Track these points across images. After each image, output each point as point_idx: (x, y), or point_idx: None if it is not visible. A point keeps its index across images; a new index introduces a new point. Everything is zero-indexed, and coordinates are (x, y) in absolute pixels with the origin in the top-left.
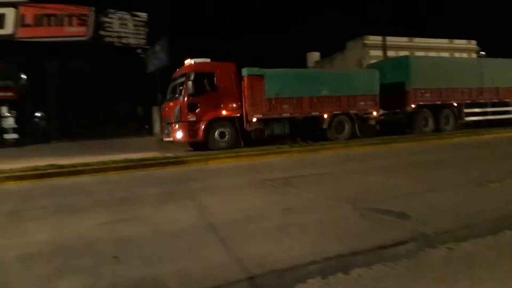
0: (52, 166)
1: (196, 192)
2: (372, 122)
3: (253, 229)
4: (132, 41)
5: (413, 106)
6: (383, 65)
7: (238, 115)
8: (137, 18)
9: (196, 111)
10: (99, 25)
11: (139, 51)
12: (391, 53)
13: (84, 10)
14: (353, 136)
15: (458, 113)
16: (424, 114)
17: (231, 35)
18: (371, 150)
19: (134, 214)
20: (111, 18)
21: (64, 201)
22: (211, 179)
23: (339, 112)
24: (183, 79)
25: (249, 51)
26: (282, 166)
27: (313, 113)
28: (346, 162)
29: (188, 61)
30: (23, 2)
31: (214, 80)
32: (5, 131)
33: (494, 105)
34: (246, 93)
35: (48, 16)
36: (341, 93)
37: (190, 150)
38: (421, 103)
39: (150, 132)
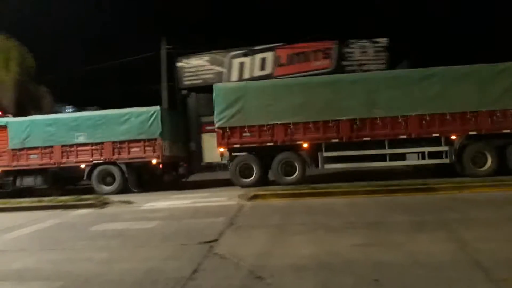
0: (307, 186)
1: (452, 224)
2: (160, 172)
3: None
4: (372, 67)
5: (222, 150)
6: None
7: None
8: (377, 45)
9: None
10: (341, 56)
11: None
12: None
13: (328, 44)
14: (126, 190)
15: (311, 159)
16: (244, 160)
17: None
18: None
19: (386, 239)
20: (352, 48)
21: (319, 220)
22: (467, 210)
23: (101, 161)
24: None
25: None
26: None
27: (68, 163)
28: None
29: None
30: (279, 45)
31: None
32: None
33: (410, 143)
34: None
35: (298, 54)
36: (104, 138)
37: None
38: (236, 145)
39: None
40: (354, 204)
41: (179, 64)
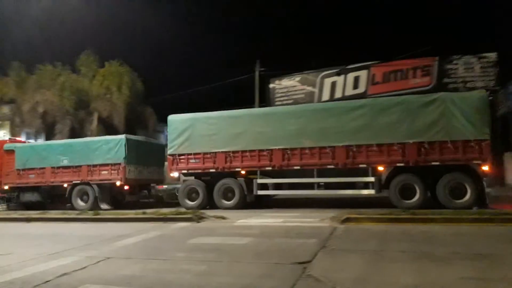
0: (405, 211)
1: None
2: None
3: None
4: (479, 84)
5: (174, 175)
6: None
7: None
8: (484, 60)
9: None
10: (442, 73)
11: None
12: None
13: (427, 61)
14: (97, 207)
15: (248, 185)
16: (191, 184)
17: None
18: None
19: (501, 275)
20: (455, 64)
21: (420, 248)
22: None
23: (79, 181)
24: None
25: None
26: None
27: (55, 182)
28: None
29: None
30: (374, 63)
31: None
32: None
33: (337, 173)
34: (0, 165)
35: (395, 72)
36: (81, 162)
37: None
38: (184, 171)
39: (500, 183)
40: (459, 233)
41: (271, 85)
